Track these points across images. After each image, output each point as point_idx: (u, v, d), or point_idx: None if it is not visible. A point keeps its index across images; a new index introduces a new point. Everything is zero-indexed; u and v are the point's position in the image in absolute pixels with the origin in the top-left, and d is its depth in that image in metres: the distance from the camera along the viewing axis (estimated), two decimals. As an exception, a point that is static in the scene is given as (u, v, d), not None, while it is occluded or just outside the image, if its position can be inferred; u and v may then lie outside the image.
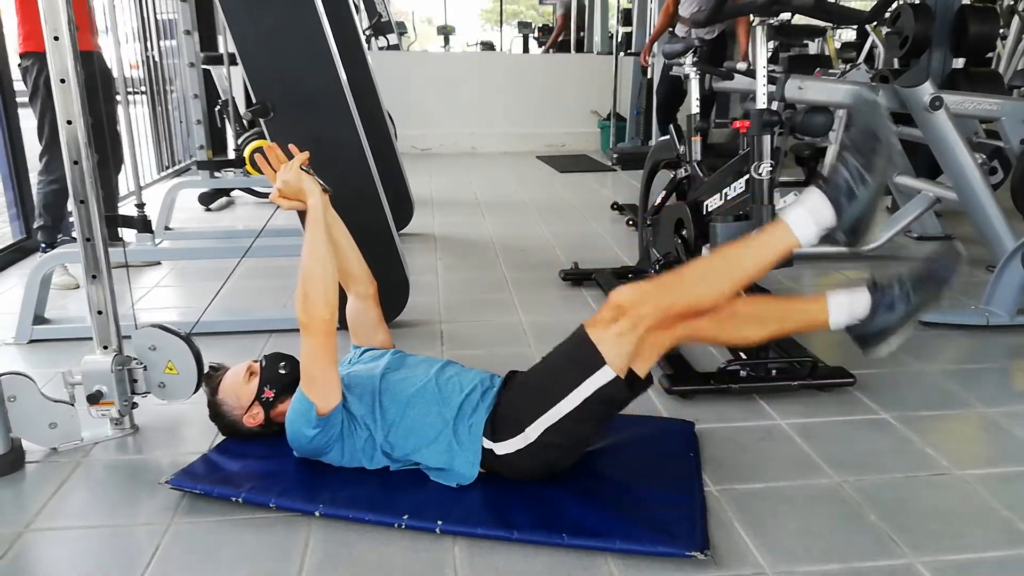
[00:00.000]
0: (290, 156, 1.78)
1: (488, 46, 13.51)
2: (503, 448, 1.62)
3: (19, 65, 3.27)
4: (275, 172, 1.79)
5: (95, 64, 3.24)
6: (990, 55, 5.42)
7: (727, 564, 1.45)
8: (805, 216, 1.56)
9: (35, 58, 3.12)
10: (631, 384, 1.61)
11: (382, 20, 7.42)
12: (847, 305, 1.62)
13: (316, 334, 1.62)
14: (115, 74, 3.17)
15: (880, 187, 1.54)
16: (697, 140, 2.77)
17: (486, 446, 1.64)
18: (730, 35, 5.19)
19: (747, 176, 2.19)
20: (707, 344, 1.66)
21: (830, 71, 4.80)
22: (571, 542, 1.48)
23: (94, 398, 1.88)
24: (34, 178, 3.42)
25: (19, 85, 3.76)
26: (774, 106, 2.28)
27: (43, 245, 3.33)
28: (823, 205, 1.55)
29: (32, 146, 3.83)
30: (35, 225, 3.39)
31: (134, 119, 3.25)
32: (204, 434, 1.91)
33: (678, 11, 4.81)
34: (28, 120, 3.74)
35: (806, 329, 1.67)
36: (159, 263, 3.51)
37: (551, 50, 10.27)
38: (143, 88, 5.19)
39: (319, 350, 1.63)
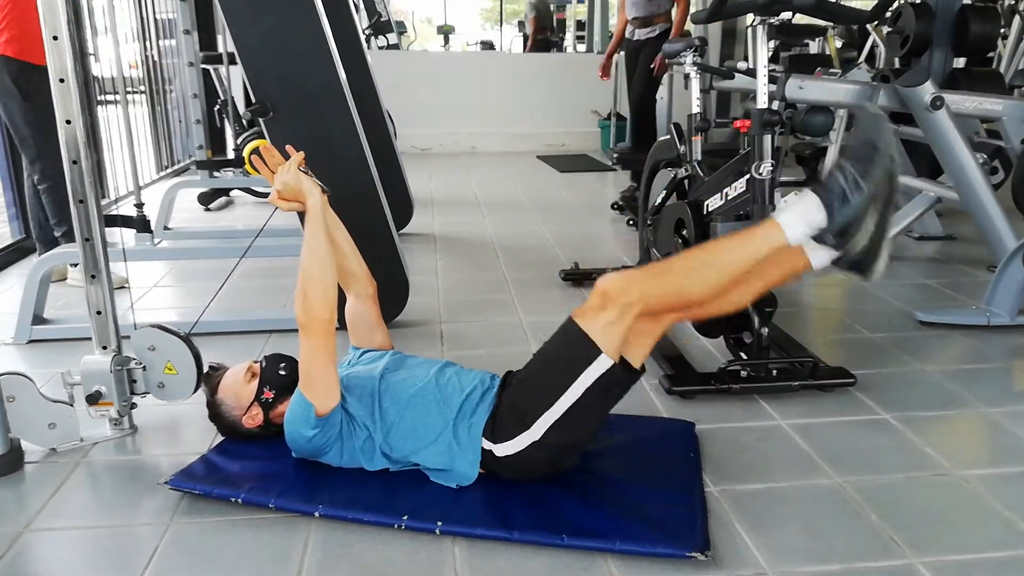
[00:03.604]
0: (287, 157, 1.78)
1: (488, 45, 13.50)
2: (505, 449, 1.61)
3: None
4: (272, 174, 1.79)
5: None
6: (991, 55, 5.41)
7: (727, 564, 1.45)
8: (797, 217, 1.57)
9: (3, 62, 2.97)
10: (628, 370, 1.61)
11: (382, 19, 7.41)
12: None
13: (315, 334, 1.62)
14: (114, 74, 3.15)
15: (875, 195, 1.53)
16: (698, 140, 2.77)
17: (486, 447, 1.63)
18: (727, 34, 5.18)
19: (748, 176, 2.18)
20: (697, 319, 1.65)
21: (831, 71, 4.79)
22: (571, 543, 1.48)
23: (93, 398, 1.87)
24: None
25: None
26: (775, 106, 2.27)
27: None
28: (816, 207, 1.56)
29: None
30: (57, 234, 3.21)
31: (133, 119, 3.23)
32: (203, 434, 1.90)
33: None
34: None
35: (781, 264, 1.64)
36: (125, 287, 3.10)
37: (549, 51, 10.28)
38: (142, 88, 5.18)
39: (318, 350, 1.62)
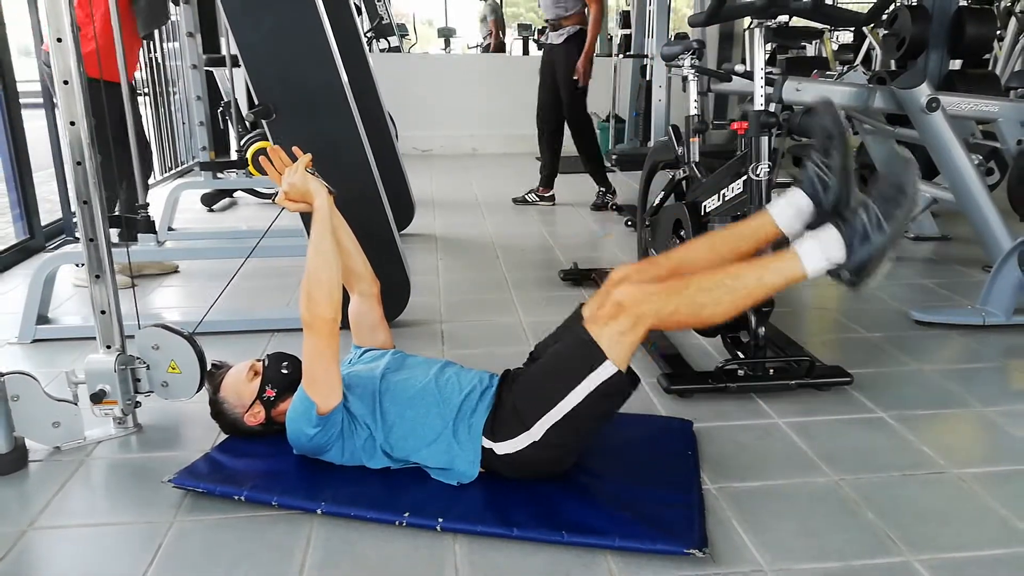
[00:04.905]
0: (294, 158, 1.80)
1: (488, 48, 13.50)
2: (505, 447, 1.63)
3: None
4: (280, 175, 1.80)
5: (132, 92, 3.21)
6: (987, 57, 5.43)
7: (725, 562, 1.46)
8: (817, 250, 1.58)
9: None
10: (633, 379, 1.62)
11: (383, 22, 7.43)
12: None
13: (319, 334, 1.63)
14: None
15: (894, 237, 1.55)
16: (695, 141, 2.78)
17: (486, 446, 1.65)
18: (725, 37, 5.16)
19: (745, 177, 2.20)
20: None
21: (827, 73, 4.82)
22: (571, 540, 1.49)
23: (97, 397, 1.89)
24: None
25: (22, 86, 3.76)
26: (772, 108, 2.29)
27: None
28: (837, 243, 1.57)
29: (34, 147, 3.84)
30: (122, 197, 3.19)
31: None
32: (207, 433, 1.92)
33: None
34: (31, 121, 3.76)
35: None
36: (177, 270, 3.47)
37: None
38: (146, 90, 5.20)
39: (322, 349, 1.64)
